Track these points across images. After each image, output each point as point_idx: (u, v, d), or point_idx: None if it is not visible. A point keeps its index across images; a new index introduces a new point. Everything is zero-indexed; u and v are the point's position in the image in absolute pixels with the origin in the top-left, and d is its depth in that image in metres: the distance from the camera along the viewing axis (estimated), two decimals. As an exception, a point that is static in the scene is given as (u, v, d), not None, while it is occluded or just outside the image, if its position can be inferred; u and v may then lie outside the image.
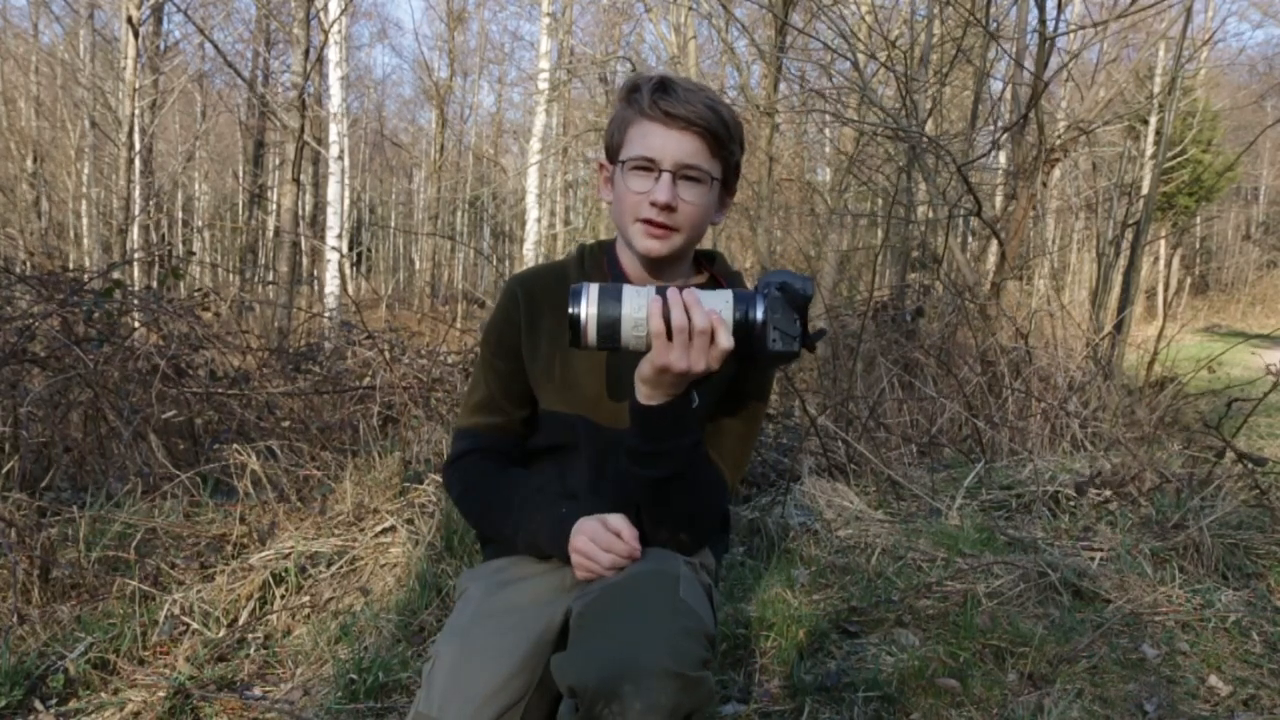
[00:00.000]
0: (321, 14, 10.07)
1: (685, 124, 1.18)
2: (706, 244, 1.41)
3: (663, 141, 1.19)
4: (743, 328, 1.09)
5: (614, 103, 1.29)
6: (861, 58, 6.30)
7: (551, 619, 1.19)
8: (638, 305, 1.07)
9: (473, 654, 1.15)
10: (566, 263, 1.36)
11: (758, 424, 1.37)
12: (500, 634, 1.17)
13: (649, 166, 1.20)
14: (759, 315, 1.08)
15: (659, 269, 1.28)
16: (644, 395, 1.12)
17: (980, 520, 2.90)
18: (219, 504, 2.67)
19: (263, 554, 2.31)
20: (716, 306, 1.09)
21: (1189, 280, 25.89)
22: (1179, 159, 12.89)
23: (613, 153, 1.26)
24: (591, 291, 1.07)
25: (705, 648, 1.06)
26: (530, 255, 12.45)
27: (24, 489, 2.49)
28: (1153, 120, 11.49)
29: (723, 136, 1.21)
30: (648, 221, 1.21)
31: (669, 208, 1.19)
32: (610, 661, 1.01)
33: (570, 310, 1.07)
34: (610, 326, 1.07)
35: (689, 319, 1.05)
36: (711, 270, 1.36)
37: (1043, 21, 5.06)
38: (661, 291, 1.08)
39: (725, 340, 1.07)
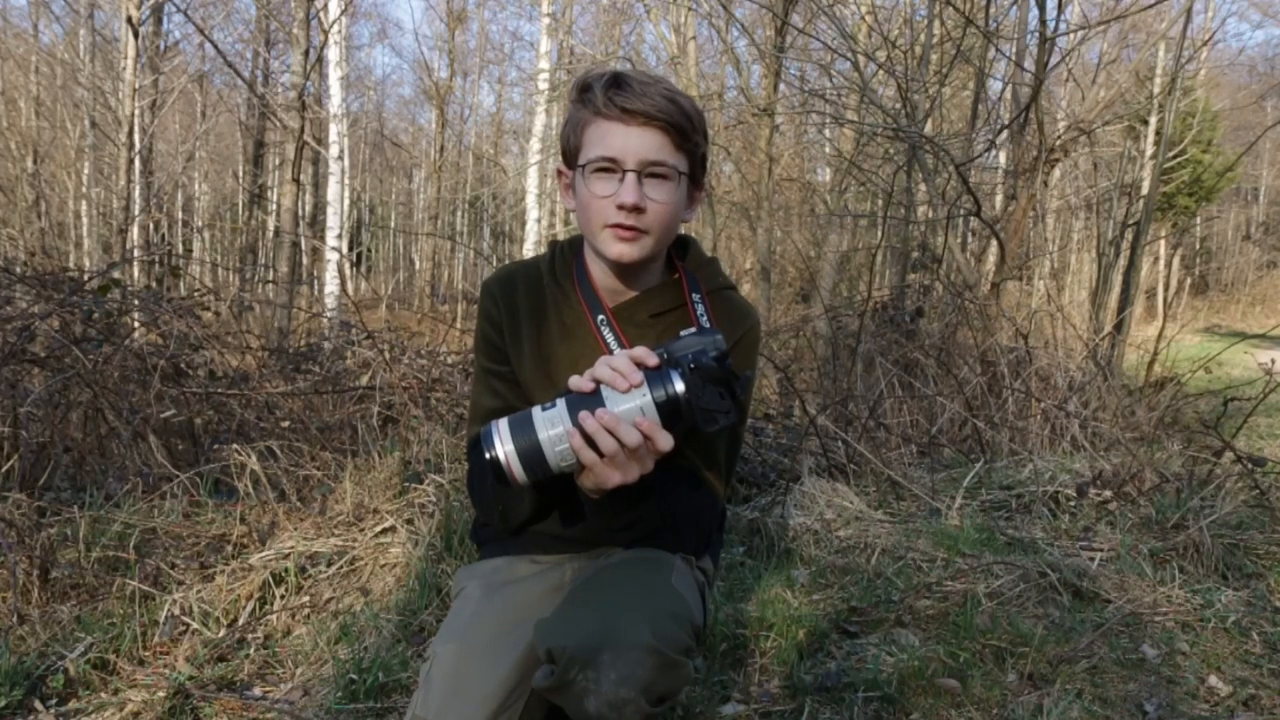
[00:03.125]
0: (321, 14, 10.08)
1: (645, 119, 1.12)
2: (708, 249, 1.40)
3: (623, 140, 1.13)
4: (668, 407, 1.01)
5: (566, 105, 1.22)
6: (861, 58, 6.30)
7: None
8: (554, 430, 1.00)
9: (472, 655, 1.15)
10: (538, 262, 1.32)
11: (743, 428, 1.36)
12: (499, 636, 1.17)
13: (611, 167, 1.14)
14: (679, 388, 1.01)
15: (629, 273, 1.24)
16: (592, 494, 1.08)
17: (980, 520, 2.90)
18: (219, 504, 2.67)
19: (263, 554, 2.31)
20: (634, 406, 1.00)
21: (1189, 280, 25.89)
22: (1179, 159, 12.90)
23: (571, 157, 1.20)
24: (501, 428, 1.01)
25: (689, 635, 1.07)
26: (530, 255, 12.43)
27: (24, 489, 2.49)
28: (1153, 120, 11.49)
29: (685, 128, 1.15)
30: (616, 226, 1.15)
31: (637, 209, 1.13)
32: (592, 630, 1.02)
33: (487, 455, 1.01)
34: (533, 456, 1.00)
35: (619, 440, 0.98)
36: (683, 264, 1.30)
37: (1043, 22, 5.06)
38: (574, 415, 1.00)
39: (664, 442, 1.00)
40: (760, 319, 1.36)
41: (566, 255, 1.30)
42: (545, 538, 1.31)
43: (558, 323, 1.27)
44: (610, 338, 1.20)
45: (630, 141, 1.13)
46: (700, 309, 1.23)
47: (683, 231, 1.31)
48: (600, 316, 1.22)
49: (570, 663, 1.00)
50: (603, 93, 1.13)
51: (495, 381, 1.30)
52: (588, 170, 1.15)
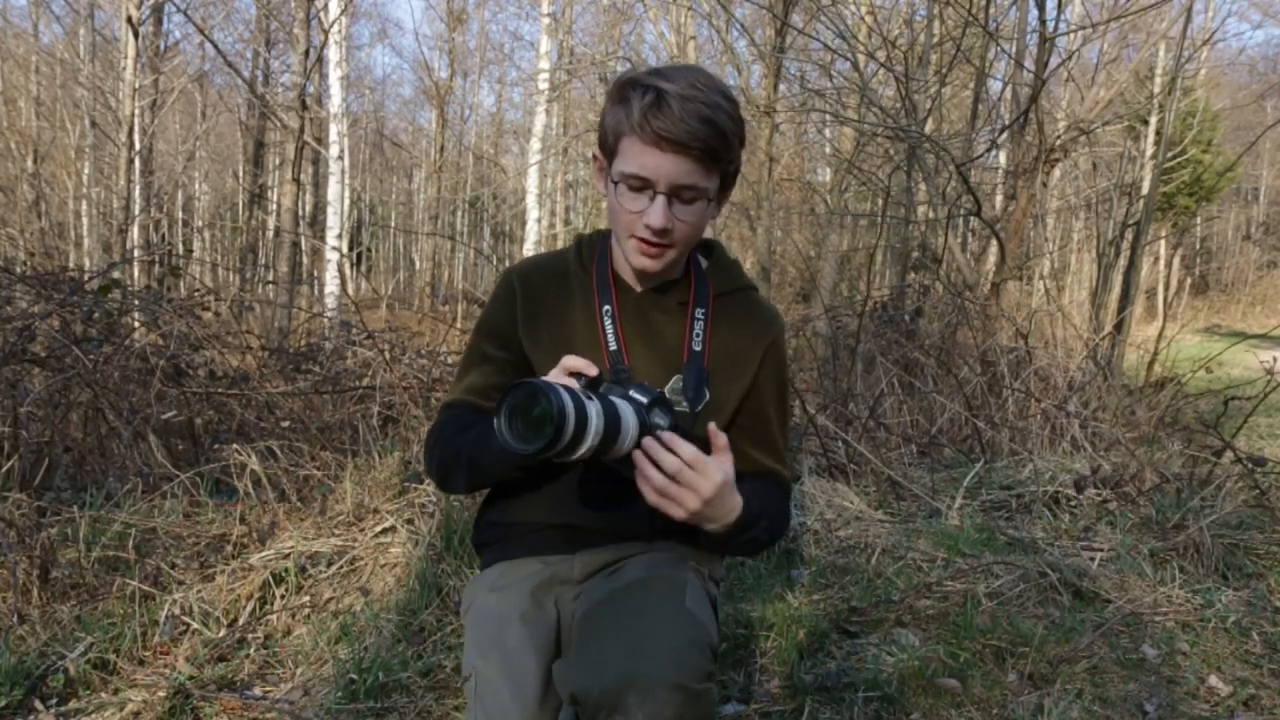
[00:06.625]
0: (321, 14, 10.08)
1: (680, 147, 1.12)
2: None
3: (656, 163, 1.13)
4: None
5: (607, 95, 1.22)
6: (861, 58, 6.30)
7: (554, 613, 1.24)
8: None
9: (515, 660, 1.16)
10: (565, 254, 1.34)
11: (788, 403, 1.38)
12: (532, 638, 1.19)
13: (642, 186, 1.15)
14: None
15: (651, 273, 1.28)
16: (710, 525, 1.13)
17: (980, 520, 2.90)
18: (219, 504, 2.67)
19: (263, 554, 2.31)
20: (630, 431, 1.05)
21: (1189, 280, 25.89)
22: (1179, 159, 12.89)
23: (606, 151, 1.21)
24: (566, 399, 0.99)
25: (709, 659, 1.07)
26: (530, 254, 12.44)
27: (24, 489, 2.49)
28: (1153, 120, 11.48)
29: (719, 150, 1.15)
30: (642, 240, 1.18)
31: (664, 230, 1.16)
32: (614, 672, 1.01)
33: (551, 401, 0.96)
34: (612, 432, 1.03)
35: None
36: (705, 267, 1.33)
37: (1043, 21, 5.06)
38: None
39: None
40: (784, 321, 1.39)
41: (594, 242, 1.33)
42: (555, 535, 1.30)
43: (582, 305, 1.29)
44: (609, 329, 1.24)
45: (663, 166, 1.13)
46: (698, 327, 1.27)
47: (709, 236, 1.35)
48: (606, 307, 1.25)
49: (597, 707, 1.01)
50: (640, 113, 1.12)
51: (488, 366, 1.32)
52: (619, 184, 1.17)
